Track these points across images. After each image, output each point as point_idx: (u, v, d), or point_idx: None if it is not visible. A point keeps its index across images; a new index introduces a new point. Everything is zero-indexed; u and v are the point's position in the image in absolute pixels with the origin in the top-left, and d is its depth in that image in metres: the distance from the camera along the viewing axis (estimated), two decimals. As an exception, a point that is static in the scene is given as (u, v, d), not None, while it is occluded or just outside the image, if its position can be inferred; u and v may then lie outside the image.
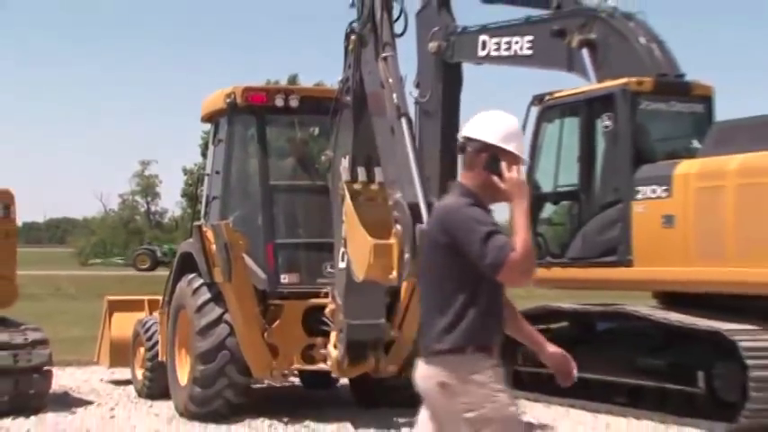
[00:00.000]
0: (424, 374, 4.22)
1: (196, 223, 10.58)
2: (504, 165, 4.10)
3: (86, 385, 12.73)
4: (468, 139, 4.21)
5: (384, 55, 9.05)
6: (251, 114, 10.69)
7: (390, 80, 8.92)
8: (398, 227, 8.24)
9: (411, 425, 9.76)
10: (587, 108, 11.35)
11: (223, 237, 9.68)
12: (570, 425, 10.03)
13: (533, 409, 10.59)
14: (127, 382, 12.37)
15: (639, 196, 10.53)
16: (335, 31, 10.09)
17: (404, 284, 9.54)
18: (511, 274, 3.94)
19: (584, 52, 11.77)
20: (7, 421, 9.82)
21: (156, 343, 11.42)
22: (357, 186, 9.24)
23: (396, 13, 9.25)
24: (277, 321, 9.98)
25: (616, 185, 10.88)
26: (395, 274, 8.36)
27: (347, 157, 9.44)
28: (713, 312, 9.86)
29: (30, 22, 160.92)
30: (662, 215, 10.29)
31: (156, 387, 11.34)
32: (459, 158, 4.29)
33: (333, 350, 9.63)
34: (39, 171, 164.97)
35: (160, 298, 11.60)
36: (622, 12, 11.84)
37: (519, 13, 13.14)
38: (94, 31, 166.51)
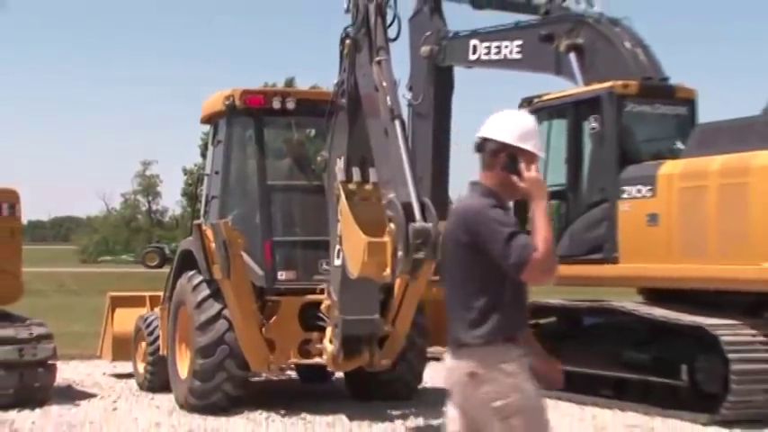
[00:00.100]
0: (453, 367, 4.12)
1: (196, 222, 10.58)
2: (522, 164, 4.06)
3: (89, 379, 12.72)
4: (486, 140, 4.15)
5: (378, 59, 9.06)
6: (249, 116, 10.69)
7: (384, 83, 8.93)
8: (392, 225, 8.24)
9: (404, 417, 9.83)
10: (575, 110, 11.37)
11: (222, 235, 9.68)
12: (557, 416, 10.03)
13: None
14: (129, 376, 12.36)
15: (625, 196, 10.55)
16: (331, 36, 10.08)
17: (397, 281, 9.56)
18: (534, 272, 3.90)
19: (572, 56, 11.79)
20: (13, 413, 9.81)
21: (157, 338, 11.42)
22: (352, 186, 9.25)
23: (389, 18, 9.26)
24: (274, 317, 9.99)
25: (602, 185, 10.90)
26: (388, 271, 8.37)
27: (342, 157, 9.45)
28: (696, 308, 9.89)
29: (33, 22, 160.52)
30: (646, 214, 10.31)
31: (157, 380, 11.34)
32: (478, 158, 4.22)
33: (328, 345, 9.64)
34: (43, 171, 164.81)
35: (161, 294, 11.60)
36: (608, 17, 11.87)
37: (508, 18, 13.18)
38: (98, 34, 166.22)
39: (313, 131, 11.53)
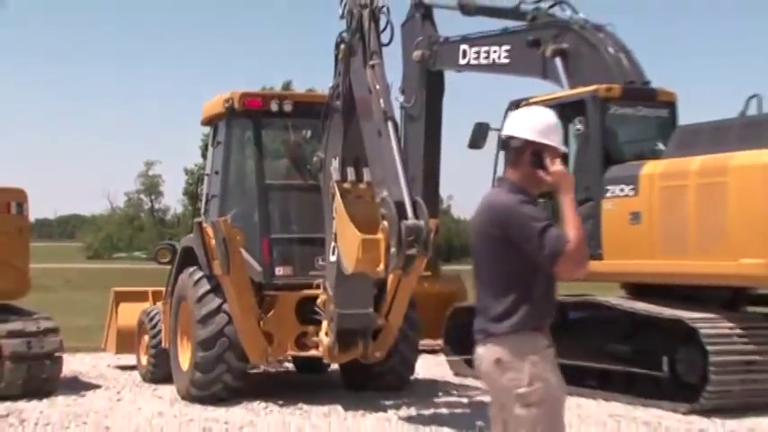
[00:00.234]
0: (482, 355, 4.09)
1: (196, 220, 10.57)
2: (547, 159, 4.05)
3: (95, 370, 12.71)
4: (510, 138, 4.14)
5: (371, 63, 9.05)
6: (248, 118, 10.68)
7: (377, 86, 8.92)
8: (385, 223, 8.24)
9: (397, 407, 9.82)
10: (560, 112, 11.17)
11: (222, 232, 9.67)
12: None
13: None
14: (132, 368, 12.35)
15: (609, 195, 10.56)
16: (327, 41, 10.09)
17: (390, 276, 9.57)
18: (567, 263, 3.88)
19: (558, 61, 11.80)
20: (21, 404, 9.81)
21: (160, 331, 11.41)
22: (347, 185, 9.25)
23: (382, 24, 9.25)
24: (272, 311, 9.98)
25: (587, 185, 10.88)
26: (382, 266, 8.36)
27: (337, 157, 9.45)
28: (676, 302, 9.91)
29: (37, 22, 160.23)
30: (629, 212, 10.33)
31: (160, 372, 11.33)
32: (502, 155, 4.21)
33: (324, 338, 9.65)
34: (50, 171, 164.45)
35: (163, 289, 11.59)
36: (593, 24, 11.88)
37: (497, 24, 13.20)
38: (102, 37, 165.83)
39: (309, 133, 11.51)
